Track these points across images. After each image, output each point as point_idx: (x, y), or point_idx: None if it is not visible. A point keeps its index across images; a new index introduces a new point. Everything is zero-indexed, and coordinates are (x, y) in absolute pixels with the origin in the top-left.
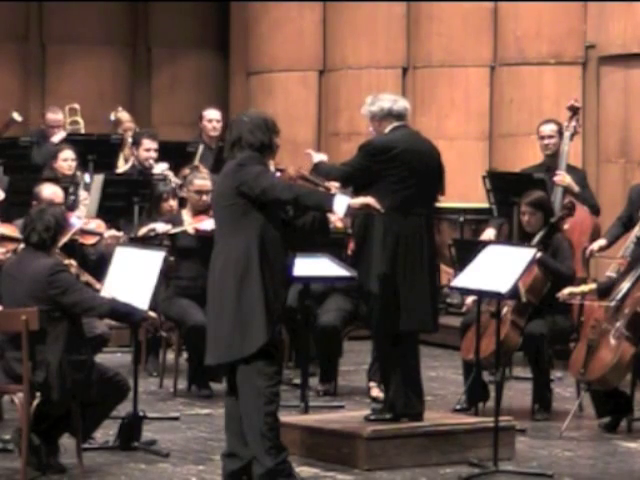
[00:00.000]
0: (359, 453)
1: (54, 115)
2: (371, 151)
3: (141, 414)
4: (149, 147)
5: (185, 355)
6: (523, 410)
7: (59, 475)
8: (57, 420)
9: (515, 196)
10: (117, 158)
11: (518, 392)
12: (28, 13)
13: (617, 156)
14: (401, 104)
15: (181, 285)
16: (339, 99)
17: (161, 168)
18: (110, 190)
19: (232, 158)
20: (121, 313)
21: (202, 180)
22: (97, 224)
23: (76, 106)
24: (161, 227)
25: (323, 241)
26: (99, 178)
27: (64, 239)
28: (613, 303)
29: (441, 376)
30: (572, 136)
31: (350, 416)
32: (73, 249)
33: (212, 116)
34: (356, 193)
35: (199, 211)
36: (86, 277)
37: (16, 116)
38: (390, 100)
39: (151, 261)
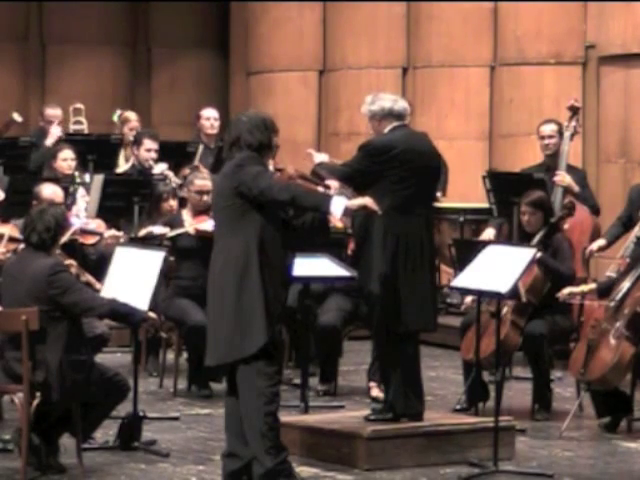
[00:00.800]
0: (359, 453)
1: (53, 110)
2: (371, 151)
3: (141, 414)
4: (150, 147)
5: (185, 355)
6: (523, 410)
7: (59, 475)
8: (57, 420)
9: (515, 196)
10: (117, 158)
11: (518, 392)
12: (28, 13)
13: (617, 156)
14: (401, 104)
15: (181, 285)
16: (339, 99)
17: (161, 168)
18: (110, 190)
19: (231, 158)
20: (121, 313)
21: (203, 180)
22: (97, 224)
23: (80, 106)
24: (159, 230)
25: (323, 241)
26: (99, 178)
27: (64, 239)
28: (613, 303)
29: (441, 376)
30: (572, 136)
31: (350, 416)
32: (73, 249)
33: (209, 114)
34: (356, 193)
35: (199, 211)
36: (86, 277)
37: (16, 116)
38: (390, 100)
39: (151, 261)
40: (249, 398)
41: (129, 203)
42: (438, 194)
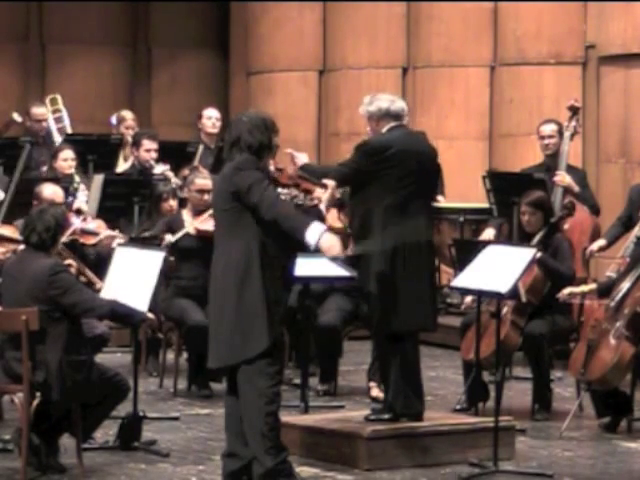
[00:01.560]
0: (359, 453)
1: (39, 109)
2: (368, 151)
3: (141, 414)
4: (149, 148)
5: (185, 355)
6: (523, 410)
7: (59, 475)
8: (57, 420)
9: (515, 196)
10: (117, 158)
11: (518, 392)
12: (28, 13)
13: (617, 156)
14: (399, 104)
15: (181, 285)
16: (339, 99)
17: (161, 169)
18: (110, 190)
19: (231, 159)
20: (120, 314)
21: (203, 179)
22: (97, 224)
23: (56, 95)
24: (166, 238)
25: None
26: (99, 178)
27: (63, 238)
28: (613, 303)
29: (441, 376)
30: (572, 136)
31: (350, 416)
32: (74, 249)
33: (211, 114)
34: (353, 193)
35: (200, 211)
36: (87, 276)
37: (16, 116)
38: (388, 100)
39: (151, 261)
40: (250, 398)
41: (129, 203)
42: (440, 198)
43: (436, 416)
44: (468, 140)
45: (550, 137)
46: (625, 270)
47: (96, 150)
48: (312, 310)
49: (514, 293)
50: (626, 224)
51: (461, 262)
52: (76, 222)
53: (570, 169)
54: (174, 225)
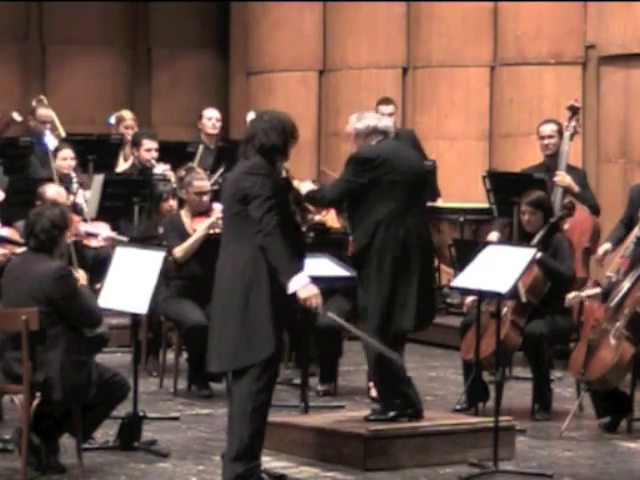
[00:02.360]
0: (359, 453)
1: (45, 111)
2: (360, 161)
3: (141, 414)
4: (150, 147)
5: (185, 355)
6: (523, 410)
7: (59, 475)
8: (57, 420)
9: (515, 196)
10: (117, 158)
11: (518, 392)
12: (28, 13)
13: (617, 156)
14: (385, 122)
15: (181, 285)
16: (339, 99)
17: (162, 168)
18: (110, 190)
19: (246, 157)
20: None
21: (201, 181)
22: (101, 227)
23: (42, 97)
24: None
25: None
26: (99, 178)
27: (68, 240)
28: (613, 303)
29: (441, 376)
30: (572, 136)
31: (350, 416)
32: (76, 250)
33: (211, 114)
34: (351, 207)
35: (199, 212)
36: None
37: (16, 116)
38: (375, 118)
39: (151, 261)
40: (239, 401)
41: (129, 203)
42: (440, 201)
43: (436, 416)
44: (468, 140)
45: (550, 137)
46: (626, 270)
47: (96, 150)
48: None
49: (514, 293)
50: (628, 225)
51: (461, 262)
52: (80, 224)
53: (570, 169)
54: (176, 225)
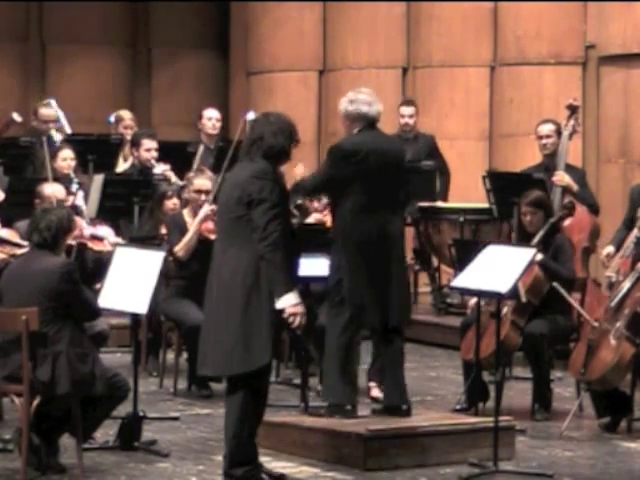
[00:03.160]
0: (359, 453)
1: (47, 110)
2: (341, 154)
3: (141, 414)
4: (149, 147)
5: (185, 355)
6: (523, 410)
7: (59, 475)
8: (57, 420)
9: (515, 196)
10: (117, 158)
11: (518, 392)
12: (28, 13)
13: (617, 156)
14: (375, 108)
15: (181, 285)
16: (339, 99)
17: (162, 168)
18: (110, 190)
19: (249, 158)
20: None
21: (202, 180)
22: (107, 231)
23: (49, 100)
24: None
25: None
26: (99, 178)
27: (71, 241)
28: (613, 303)
29: (441, 376)
30: (571, 135)
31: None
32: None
33: (211, 114)
34: (332, 198)
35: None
36: None
37: (16, 116)
38: (367, 103)
39: (151, 261)
40: (234, 406)
41: (129, 203)
42: (439, 203)
43: (436, 416)
44: (468, 140)
45: (548, 137)
46: (627, 271)
47: (96, 150)
48: (312, 310)
49: (514, 293)
50: (629, 226)
51: (461, 262)
52: (85, 226)
53: (569, 168)
54: (178, 224)
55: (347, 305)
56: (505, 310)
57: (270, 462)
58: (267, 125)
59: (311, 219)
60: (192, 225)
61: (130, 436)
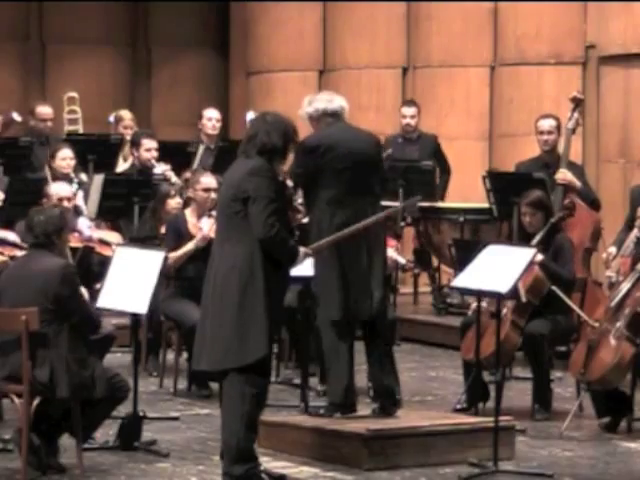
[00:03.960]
0: (359, 453)
1: (43, 108)
2: (303, 150)
3: (141, 414)
4: (149, 147)
5: (185, 355)
6: (523, 410)
7: (59, 475)
8: (57, 420)
9: (515, 196)
10: (117, 158)
11: (518, 392)
12: (28, 13)
13: (617, 156)
14: (336, 103)
15: (181, 285)
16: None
17: (162, 168)
18: (110, 190)
19: (245, 155)
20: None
21: (209, 178)
22: (115, 237)
23: (74, 94)
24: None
25: None
26: (99, 178)
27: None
28: (613, 303)
29: (441, 376)
30: (574, 129)
31: (350, 416)
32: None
33: (212, 115)
34: (305, 193)
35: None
36: None
37: (16, 116)
38: (325, 100)
39: (151, 261)
40: (233, 402)
41: (129, 203)
42: (439, 203)
43: (436, 416)
44: (468, 140)
45: (549, 133)
46: (627, 271)
47: (96, 150)
48: (312, 310)
49: (514, 293)
50: (631, 227)
51: (461, 262)
52: (94, 232)
53: (568, 164)
54: (178, 225)
55: (330, 300)
56: (505, 310)
57: (270, 462)
58: (262, 123)
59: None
60: (188, 245)
61: (130, 436)
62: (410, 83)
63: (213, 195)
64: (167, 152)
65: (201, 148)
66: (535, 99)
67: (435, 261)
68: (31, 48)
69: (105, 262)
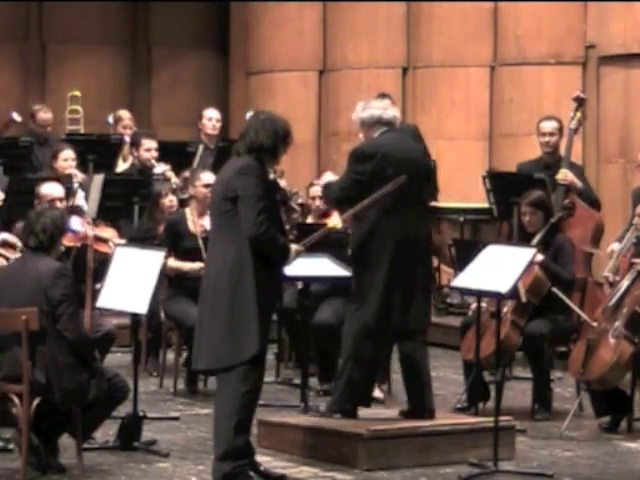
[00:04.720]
0: (359, 453)
1: (45, 114)
2: (359, 157)
3: (141, 414)
4: (149, 147)
5: (185, 355)
6: (523, 410)
7: (59, 475)
8: (57, 420)
9: (515, 196)
10: (117, 158)
11: (518, 392)
12: (28, 13)
13: (617, 156)
14: (390, 112)
15: (182, 285)
16: (339, 99)
17: (162, 168)
18: (110, 190)
19: (237, 154)
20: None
21: (208, 174)
22: (111, 233)
23: (77, 93)
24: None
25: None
26: (99, 178)
27: (72, 243)
28: (612, 303)
29: (441, 376)
30: (577, 129)
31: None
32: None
33: (212, 115)
34: (355, 203)
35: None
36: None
37: (16, 116)
38: (380, 108)
39: (151, 261)
40: (225, 400)
41: (129, 203)
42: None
43: (436, 416)
44: (468, 140)
45: (552, 135)
46: (625, 270)
47: (96, 150)
48: (311, 310)
49: (514, 293)
50: None
51: (461, 262)
52: (88, 228)
53: (569, 165)
54: (178, 225)
55: (371, 307)
56: (505, 310)
57: (270, 462)
58: (254, 122)
59: (310, 219)
60: (187, 265)
61: (130, 436)
62: (410, 83)
63: None
64: (167, 152)
65: (201, 148)
66: (535, 99)
67: (435, 261)
68: (31, 48)
69: (101, 259)
